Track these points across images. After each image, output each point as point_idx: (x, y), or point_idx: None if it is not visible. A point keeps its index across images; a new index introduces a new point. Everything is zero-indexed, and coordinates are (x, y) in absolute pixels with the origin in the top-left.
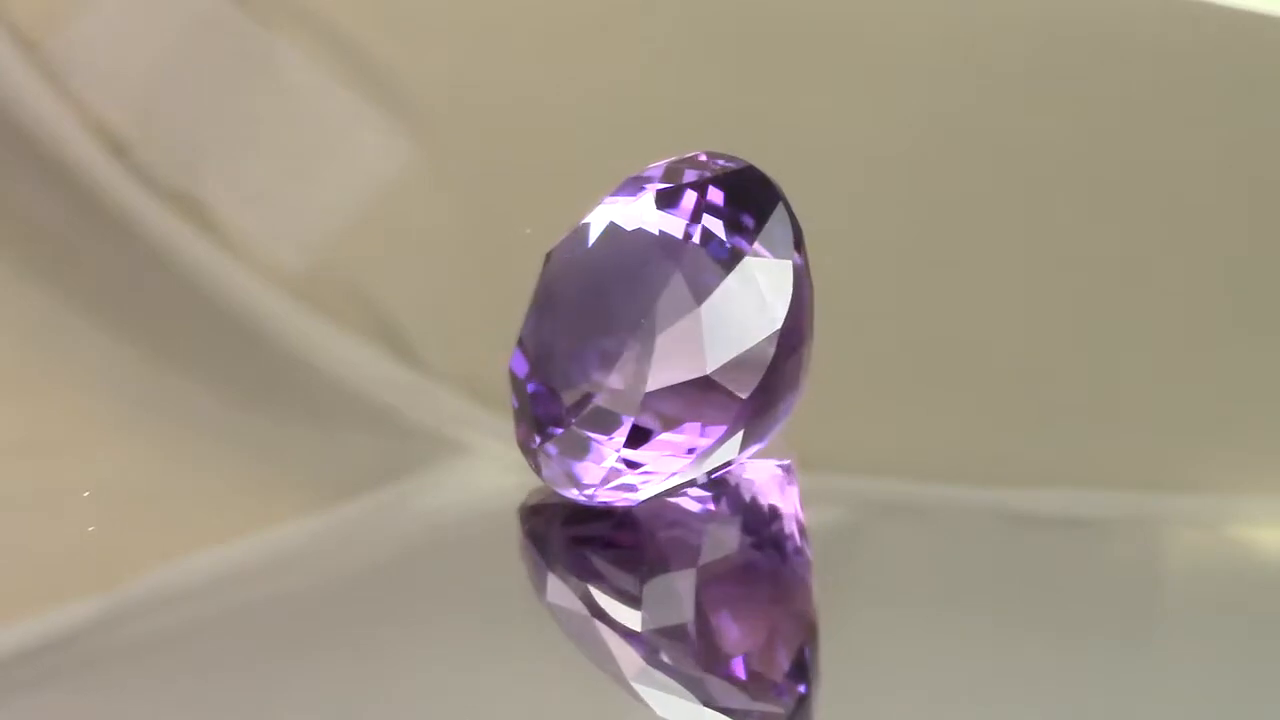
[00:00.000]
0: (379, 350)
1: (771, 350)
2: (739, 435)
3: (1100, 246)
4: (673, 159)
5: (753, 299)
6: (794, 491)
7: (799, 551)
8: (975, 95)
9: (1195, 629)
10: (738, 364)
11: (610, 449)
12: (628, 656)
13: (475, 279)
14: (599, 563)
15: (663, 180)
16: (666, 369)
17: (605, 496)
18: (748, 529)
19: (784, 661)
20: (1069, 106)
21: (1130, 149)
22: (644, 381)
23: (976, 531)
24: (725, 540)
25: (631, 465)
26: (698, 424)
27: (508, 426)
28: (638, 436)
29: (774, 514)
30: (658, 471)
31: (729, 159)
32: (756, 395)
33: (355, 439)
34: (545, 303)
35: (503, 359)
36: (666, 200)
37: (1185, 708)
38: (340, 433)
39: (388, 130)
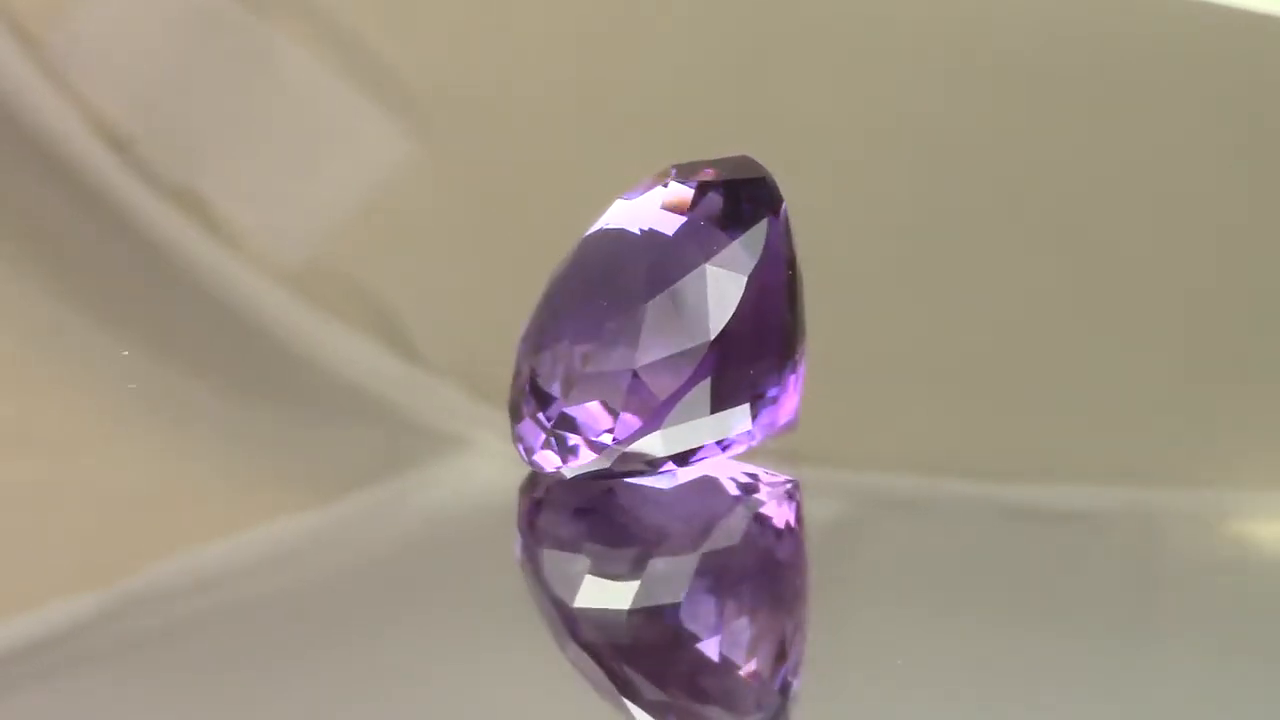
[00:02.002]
0: (379, 346)
1: (697, 359)
2: (662, 433)
3: (1100, 243)
4: (713, 159)
5: (696, 306)
6: (792, 510)
7: (790, 572)
8: (978, 95)
9: (1193, 623)
10: (663, 366)
11: (543, 421)
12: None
13: (475, 274)
14: (578, 535)
15: (679, 178)
16: (603, 356)
17: (539, 462)
18: (740, 537)
19: (754, 675)
20: (1070, 106)
21: (1130, 148)
22: (579, 363)
23: (975, 526)
24: (714, 540)
25: (557, 440)
26: (615, 413)
27: (506, 421)
28: (564, 414)
29: (769, 529)
30: (582, 450)
31: (746, 166)
32: (679, 399)
33: (355, 434)
34: (555, 279)
35: (502, 354)
36: (668, 197)
37: (1184, 702)
38: (340, 428)
39: (388, 125)
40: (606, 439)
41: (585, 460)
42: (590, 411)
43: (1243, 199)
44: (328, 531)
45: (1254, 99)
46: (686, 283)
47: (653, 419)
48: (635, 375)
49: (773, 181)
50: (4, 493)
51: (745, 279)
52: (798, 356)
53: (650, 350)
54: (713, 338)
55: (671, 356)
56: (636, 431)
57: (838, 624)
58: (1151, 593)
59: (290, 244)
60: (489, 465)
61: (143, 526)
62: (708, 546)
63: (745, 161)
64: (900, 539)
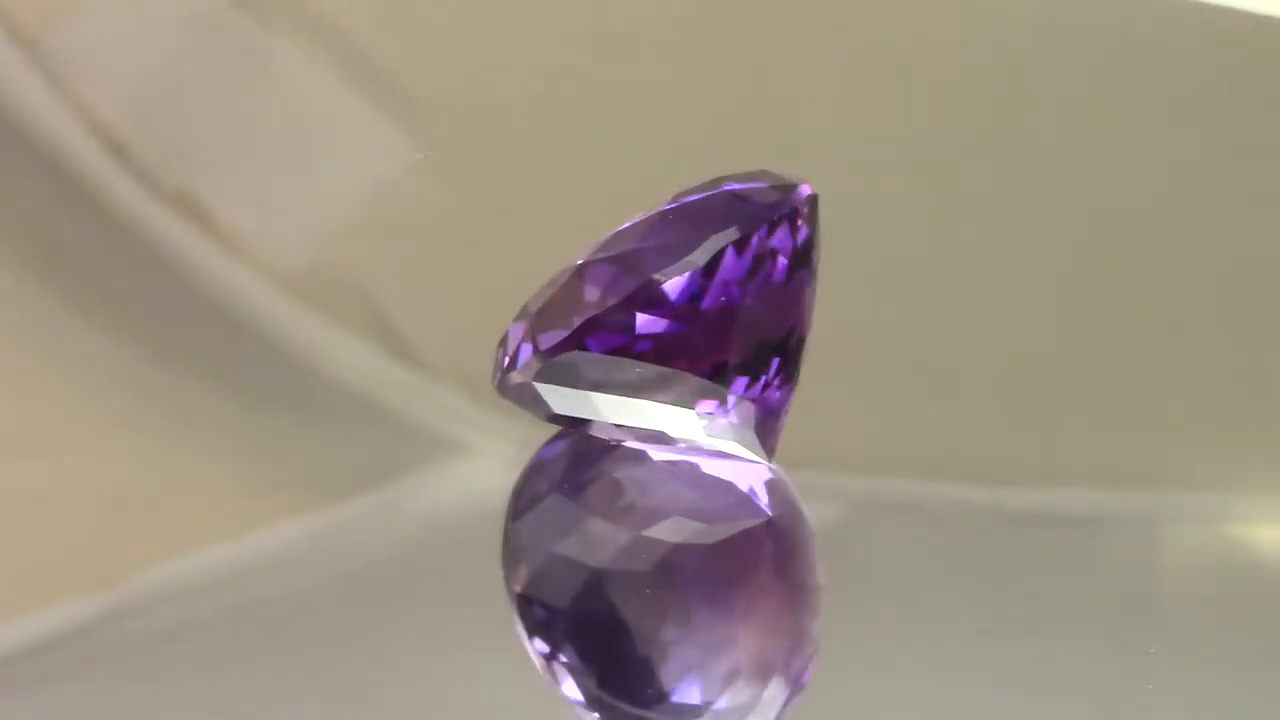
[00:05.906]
0: (377, 349)
1: (567, 330)
2: (554, 389)
3: (1098, 244)
4: (756, 172)
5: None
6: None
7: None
8: (979, 96)
9: (1193, 627)
10: (549, 325)
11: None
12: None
13: (474, 278)
14: (552, 480)
15: (709, 184)
16: (535, 298)
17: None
18: (682, 539)
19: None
20: (1070, 107)
21: (1130, 149)
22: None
23: (974, 530)
24: (658, 532)
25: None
26: (517, 346)
27: (506, 425)
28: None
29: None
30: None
31: (772, 189)
32: (560, 354)
33: (353, 438)
34: None
35: None
36: (676, 199)
37: (1183, 706)
38: (338, 431)
39: (387, 128)
40: (509, 365)
41: (503, 380)
42: (509, 337)
43: (1243, 201)
44: (327, 535)
45: (1254, 99)
46: (598, 269)
47: (540, 367)
48: (530, 319)
49: (780, 201)
50: (4, 494)
51: (661, 286)
52: (773, 373)
53: (549, 308)
54: (594, 314)
55: (559, 320)
56: (521, 369)
57: (834, 627)
58: (1150, 597)
59: (289, 247)
60: (488, 469)
61: (140, 530)
62: (652, 533)
63: (780, 184)
64: (898, 543)
